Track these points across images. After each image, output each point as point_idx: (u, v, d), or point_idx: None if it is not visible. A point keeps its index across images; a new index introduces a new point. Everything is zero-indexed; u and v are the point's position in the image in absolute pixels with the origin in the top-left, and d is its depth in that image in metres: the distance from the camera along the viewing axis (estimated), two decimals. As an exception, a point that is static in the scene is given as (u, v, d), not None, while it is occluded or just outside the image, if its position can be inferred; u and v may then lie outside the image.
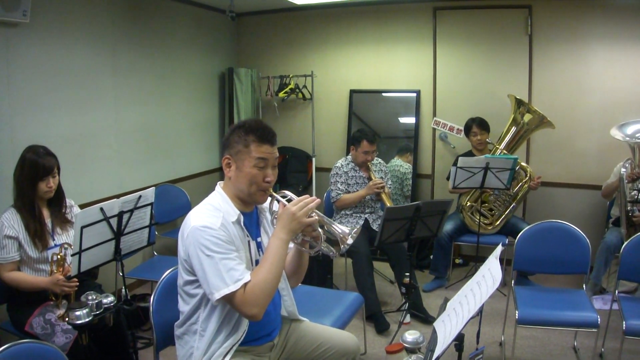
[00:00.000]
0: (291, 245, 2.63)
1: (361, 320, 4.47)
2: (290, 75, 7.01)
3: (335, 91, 7.11)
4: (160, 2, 6.01)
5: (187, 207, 5.86)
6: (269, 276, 2.39)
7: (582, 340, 4.51)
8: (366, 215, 5.38)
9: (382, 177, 5.40)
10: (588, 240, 4.10)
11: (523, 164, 5.64)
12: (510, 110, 5.71)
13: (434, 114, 6.62)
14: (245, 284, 2.36)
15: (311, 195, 2.51)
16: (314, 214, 2.48)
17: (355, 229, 2.50)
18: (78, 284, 3.42)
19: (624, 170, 5.01)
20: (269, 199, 2.66)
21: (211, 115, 7.11)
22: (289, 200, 2.53)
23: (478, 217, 5.58)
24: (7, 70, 4.31)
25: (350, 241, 2.47)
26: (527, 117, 5.55)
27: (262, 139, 2.51)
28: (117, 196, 3.49)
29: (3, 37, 4.25)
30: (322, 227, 2.55)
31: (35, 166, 3.47)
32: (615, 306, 4.03)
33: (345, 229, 2.49)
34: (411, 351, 2.43)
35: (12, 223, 3.44)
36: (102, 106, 5.25)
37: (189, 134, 6.65)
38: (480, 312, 2.19)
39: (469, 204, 5.70)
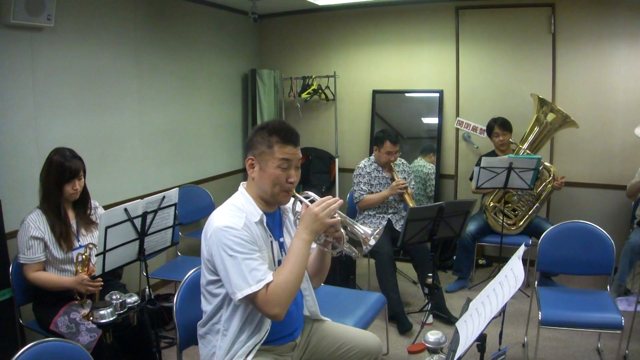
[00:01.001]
0: (314, 245, 2.63)
1: (384, 321, 4.48)
2: (313, 76, 7.02)
3: (358, 92, 7.11)
4: (183, 5, 6.05)
5: (210, 208, 5.87)
6: (291, 277, 2.39)
7: (606, 342, 4.47)
8: (389, 216, 5.37)
9: (405, 178, 5.39)
10: (612, 240, 4.05)
11: (546, 163, 5.60)
12: (534, 109, 5.67)
13: (457, 114, 6.60)
14: (268, 284, 2.37)
15: (334, 196, 2.52)
16: (337, 214, 2.49)
17: (378, 230, 2.50)
18: (102, 283, 3.45)
19: (649, 170, 4.97)
20: (292, 199, 2.67)
21: (234, 117, 7.15)
22: (312, 201, 2.54)
23: (501, 218, 5.55)
24: (32, 73, 4.36)
25: (372, 242, 2.47)
26: (551, 117, 5.51)
27: (285, 139, 2.52)
28: (141, 197, 3.51)
29: (28, 41, 4.31)
30: (344, 227, 2.56)
31: (62, 169, 3.50)
32: (640, 308, 3.99)
33: (368, 230, 2.49)
34: (433, 351, 2.43)
35: (38, 224, 3.49)
36: (126, 108, 5.30)
37: (212, 135, 6.69)
38: (502, 312, 2.18)
39: (492, 204, 5.68)
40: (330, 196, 2.53)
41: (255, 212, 2.56)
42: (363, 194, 5.31)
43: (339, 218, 2.49)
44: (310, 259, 2.71)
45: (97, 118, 4.98)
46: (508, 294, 2.11)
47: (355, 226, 2.51)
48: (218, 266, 2.42)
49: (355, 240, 2.59)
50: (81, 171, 3.60)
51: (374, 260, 5.09)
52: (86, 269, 3.46)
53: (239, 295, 2.35)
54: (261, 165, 2.54)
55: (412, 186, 5.44)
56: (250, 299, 2.38)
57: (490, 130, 5.87)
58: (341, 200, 2.52)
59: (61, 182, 3.51)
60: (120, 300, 3.16)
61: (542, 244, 4.19)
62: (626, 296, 5.17)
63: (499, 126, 5.76)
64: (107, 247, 3.24)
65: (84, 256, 3.47)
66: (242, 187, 2.67)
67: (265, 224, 2.59)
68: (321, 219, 2.42)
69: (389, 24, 6.83)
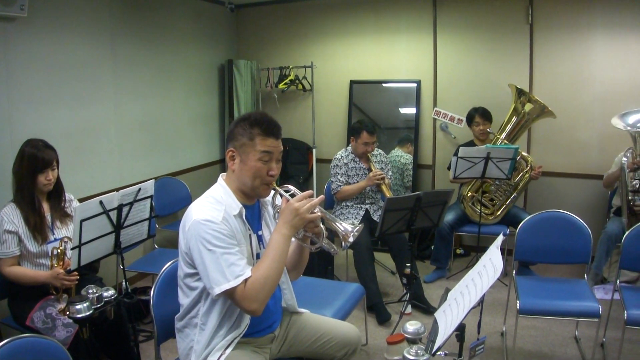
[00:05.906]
0: (293, 240, 2.62)
1: (362, 311, 4.47)
2: (290, 67, 6.99)
3: (335, 82, 7.09)
4: (159, -6, 5.99)
5: (187, 200, 5.88)
6: (270, 272, 2.38)
7: (584, 330, 4.51)
8: (367, 206, 5.37)
9: (382, 168, 5.39)
10: (589, 229, 4.08)
11: (524, 153, 5.63)
12: (511, 99, 5.69)
13: (435, 104, 6.60)
14: (246, 280, 2.35)
15: (312, 186, 2.50)
16: (317, 210, 2.48)
17: (358, 227, 2.48)
18: (78, 277, 3.42)
19: (625, 159, 4.99)
20: (272, 192, 2.64)
21: (211, 108, 7.10)
22: (292, 195, 2.53)
23: (479, 207, 5.58)
24: (5, 64, 4.29)
25: (352, 239, 2.46)
26: (528, 107, 5.53)
27: (267, 132, 2.50)
28: (117, 189, 3.47)
29: (1, 32, 4.23)
30: (324, 223, 2.55)
31: (34, 159, 3.47)
32: (617, 296, 4.02)
33: (348, 227, 2.47)
34: (412, 342, 2.42)
35: (12, 218, 3.45)
36: (101, 100, 5.24)
37: (188, 127, 6.64)
38: (481, 302, 2.18)
39: (469, 194, 5.69)
40: (310, 191, 2.51)
41: (235, 205, 2.53)
42: (340, 185, 5.31)
43: (319, 214, 2.48)
44: (288, 253, 2.70)
45: (73, 110, 4.91)
46: (487, 283, 2.11)
47: (335, 223, 2.50)
48: (196, 260, 2.40)
49: (333, 232, 2.57)
50: (54, 161, 3.56)
51: (352, 251, 5.08)
52: (61, 263, 3.43)
53: (217, 290, 2.33)
54: (242, 158, 2.51)
55: (389, 176, 5.43)
56: (228, 294, 2.37)
57: (470, 119, 5.89)
58: (322, 197, 2.52)
59: (34, 172, 3.48)
60: (97, 294, 3.13)
61: (520, 234, 4.21)
62: (603, 285, 5.22)
63: (479, 115, 5.79)
64: (83, 241, 3.20)
65: (59, 250, 3.44)
66: (221, 179, 2.64)
67: (244, 217, 2.56)
68: (301, 214, 2.41)
69: (366, 14, 6.81)
